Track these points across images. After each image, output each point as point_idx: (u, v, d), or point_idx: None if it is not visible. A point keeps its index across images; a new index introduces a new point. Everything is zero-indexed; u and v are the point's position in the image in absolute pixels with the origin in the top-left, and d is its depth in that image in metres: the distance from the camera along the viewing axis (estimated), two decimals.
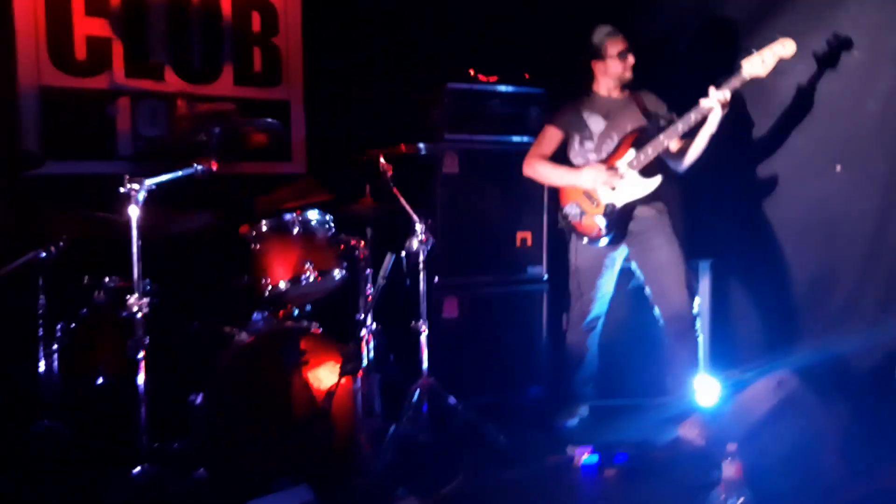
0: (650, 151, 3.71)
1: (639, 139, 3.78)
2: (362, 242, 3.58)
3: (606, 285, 4.03)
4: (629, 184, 3.78)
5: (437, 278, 4.29)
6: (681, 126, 3.61)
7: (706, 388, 3.80)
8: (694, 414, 3.73)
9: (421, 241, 3.60)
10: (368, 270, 3.56)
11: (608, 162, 3.83)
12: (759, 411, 3.27)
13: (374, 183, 3.73)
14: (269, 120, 3.39)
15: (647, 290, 3.92)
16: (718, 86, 3.49)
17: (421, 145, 3.71)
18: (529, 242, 4.58)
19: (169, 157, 3.99)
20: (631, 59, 3.88)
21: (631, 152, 3.77)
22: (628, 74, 3.90)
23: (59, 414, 3.08)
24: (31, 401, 3.11)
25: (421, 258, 3.63)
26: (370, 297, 3.50)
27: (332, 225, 3.56)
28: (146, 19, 4.30)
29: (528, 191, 4.45)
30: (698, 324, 3.94)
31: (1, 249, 3.17)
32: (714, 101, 3.50)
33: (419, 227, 3.59)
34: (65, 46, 4.07)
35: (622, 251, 3.98)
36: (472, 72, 4.49)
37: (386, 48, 4.84)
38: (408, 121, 4.58)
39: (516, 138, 4.50)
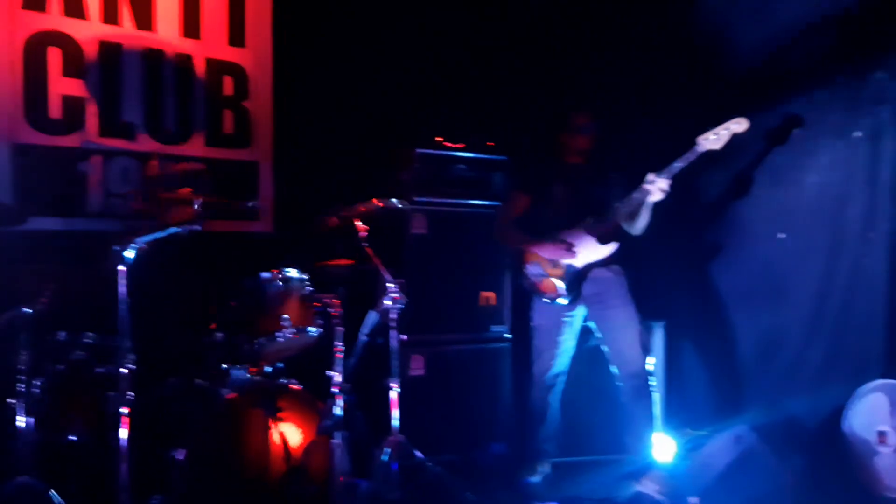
0: (609, 218, 3.93)
1: (597, 209, 4.00)
2: (336, 300, 3.67)
3: (567, 343, 4.18)
4: (587, 248, 3.97)
5: (404, 336, 4.38)
6: (637, 195, 3.82)
7: (663, 445, 3.96)
8: (652, 470, 3.87)
9: (393, 300, 3.70)
10: (341, 328, 3.64)
11: (570, 228, 4.03)
12: (717, 466, 3.43)
13: (346, 242, 3.84)
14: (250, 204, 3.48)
15: (605, 348, 4.09)
16: (668, 166, 3.72)
17: (394, 200, 3.86)
18: (493, 301, 4.73)
19: (139, 216, 4.08)
20: (592, 133, 4.11)
21: (589, 218, 3.99)
22: (588, 146, 4.12)
23: (35, 470, 3.04)
24: (8, 456, 3.06)
25: (393, 317, 3.73)
26: (341, 354, 3.58)
27: (308, 283, 3.65)
28: (121, 81, 4.39)
29: (492, 252, 4.63)
30: (653, 381, 4.11)
31: None
32: (655, 188, 3.75)
33: (392, 286, 3.70)
34: (40, 105, 4.12)
35: (581, 310, 4.15)
36: (440, 138, 4.69)
37: (355, 112, 5.01)
38: (377, 183, 4.73)
39: (481, 202, 4.69)
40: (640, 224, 3.92)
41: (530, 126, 4.62)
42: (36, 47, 4.10)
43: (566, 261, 3.99)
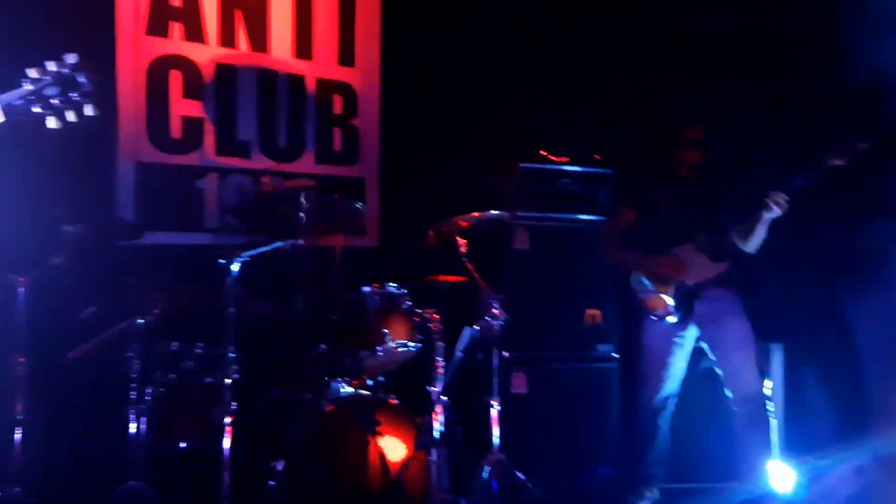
0: (718, 238, 3.76)
1: (708, 224, 3.82)
2: (436, 315, 3.67)
3: (677, 364, 4.01)
4: (698, 266, 3.80)
5: (506, 353, 4.34)
6: (740, 223, 3.66)
7: (780, 474, 3.72)
8: (768, 500, 3.65)
9: (494, 317, 3.66)
10: (440, 343, 3.64)
11: (680, 244, 3.88)
12: (838, 499, 3.19)
13: (446, 257, 3.85)
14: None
15: (719, 370, 3.90)
16: (787, 181, 3.53)
17: (494, 212, 3.84)
18: (599, 319, 4.61)
19: (252, 231, 4.23)
20: (703, 147, 3.93)
21: (701, 235, 3.82)
22: (699, 159, 3.96)
23: (145, 476, 3.19)
24: (120, 462, 3.23)
25: (493, 333, 3.69)
26: (441, 370, 3.58)
27: (408, 298, 3.67)
28: (237, 101, 4.58)
29: (598, 268, 4.51)
30: (770, 406, 3.88)
31: (101, 315, 3.36)
32: (773, 204, 3.56)
33: (492, 302, 3.66)
34: (162, 126, 4.35)
35: (693, 331, 3.97)
36: (544, 152, 4.63)
37: (459, 128, 5.03)
38: (479, 199, 4.72)
39: (586, 216, 4.59)
40: (754, 242, 3.73)
41: (638, 139, 4.48)
42: (158, 71, 4.33)
43: (676, 277, 3.84)
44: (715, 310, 3.87)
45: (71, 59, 1.81)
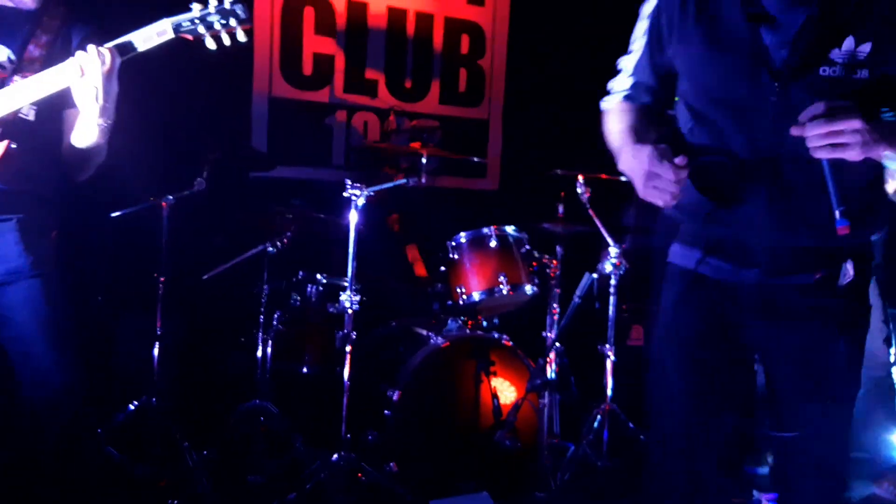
0: None
1: None
2: (554, 261, 3.64)
3: None
4: None
5: (624, 305, 4.26)
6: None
7: None
8: (892, 471, 3.47)
9: (614, 266, 3.59)
10: (557, 290, 3.61)
11: None
12: None
13: (567, 202, 3.78)
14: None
15: None
16: None
17: (623, 178, 3.71)
18: None
19: (376, 168, 4.30)
20: None
21: None
22: None
23: (269, 396, 3.36)
24: (248, 381, 3.41)
25: (612, 282, 3.62)
26: (557, 315, 3.57)
27: (527, 241, 3.64)
28: (366, 39, 4.61)
29: None
30: None
31: (233, 241, 3.52)
32: None
33: (613, 250, 3.59)
34: (294, 62, 4.45)
35: None
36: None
37: (587, 72, 4.88)
38: (602, 145, 4.60)
39: None
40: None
41: None
42: (293, 8, 4.41)
43: None
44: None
45: None
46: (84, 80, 2.05)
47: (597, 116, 2.10)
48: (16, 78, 2.14)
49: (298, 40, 4.45)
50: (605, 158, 3.90)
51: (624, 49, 2.05)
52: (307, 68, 4.49)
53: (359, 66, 4.61)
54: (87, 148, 2.20)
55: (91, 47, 2.05)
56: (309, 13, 4.46)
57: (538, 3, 4.90)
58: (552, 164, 3.89)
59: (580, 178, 3.66)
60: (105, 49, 2.06)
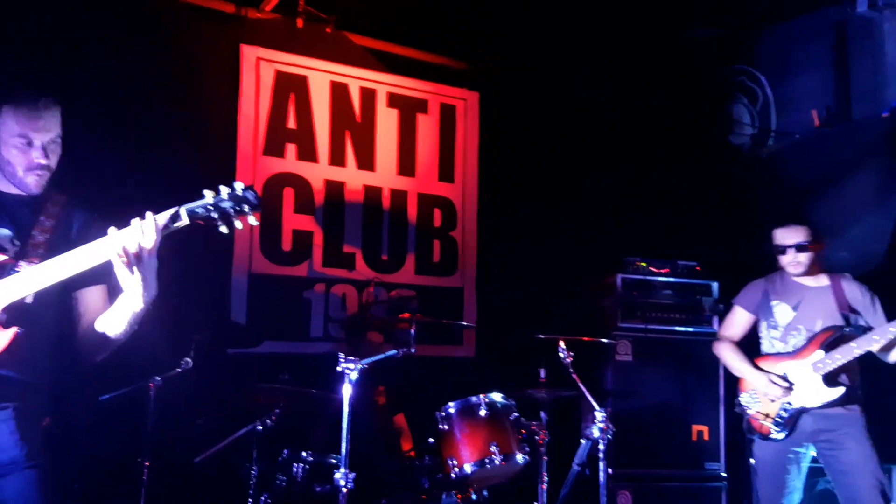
0: (839, 357, 3.54)
1: (830, 340, 3.63)
2: (543, 429, 3.63)
3: (794, 484, 3.79)
4: (810, 389, 3.62)
5: (610, 469, 4.21)
6: (877, 338, 3.46)
7: None
8: None
9: (601, 430, 3.59)
10: (546, 457, 3.58)
11: (794, 357, 3.74)
12: None
13: (548, 367, 3.83)
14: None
15: (838, 494, 3.67)
16: None
17: (605, 341, 3.82)
18: (706, 436, 4.46)
19: (354, 339, 4.32)
20: (801, 255, 3.73)
21: (819, 353, 3.62)
22: (793, 270, 3.76)
23: None
24: None
25: (601, 447, 3.61)
26: (545, 485, 3.52)
27: (515, 409, 3.64)
28: (343, 216, 4.78)
29: (704, 383, 4.42)
30: None
31: (219, 421, 3.45)
32: None
33: (600, 415, 3.60)
34: (274, 239, 4.57)
35: (809, 448, 3.78)
36: (643, 263, 4.65)
37: (555, 239, 5.11)
38: (578, 308, 4.74)
39: (690, 328, 4.53)
40: None
41: (741, 248, 4.46)
42: (273, 188, 4.59)
43: (783, 399, 3.68)
44: (832, 428, 3.66)
45: (240, 185, 2.11)
46: (131, 255, 2.05)
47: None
48: (21, 263, 2.15)
49: (278, 219, 4.59)
50: (581, 320, 4.03)
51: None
52: (287, 245, 4.60)
53: (337, 242, 4.75)
54: (117, 331, 2.19)
55: (136, 222, 2.05)
56: (289, 193, 4.63)
57: (504, 179, 5.18)
58: (529, 329, 3.97)
59: (562, 343, 3.74)
60: (153, 220, 2.06)
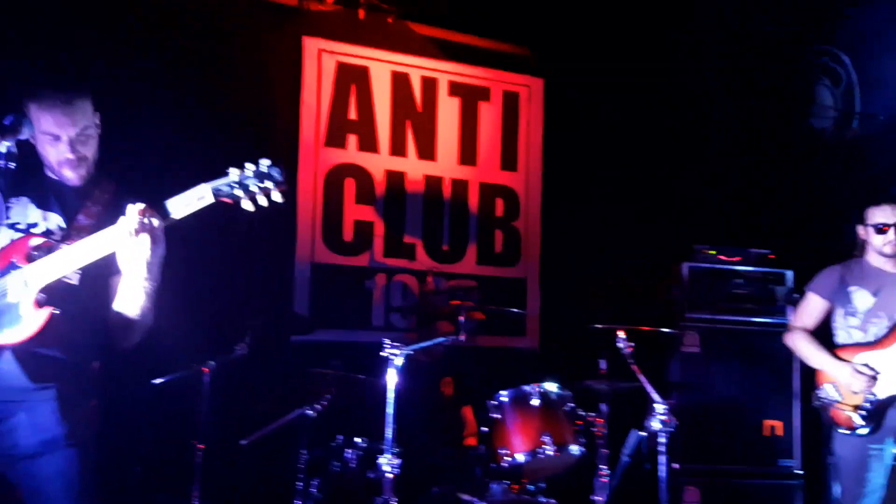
0: None
1: None
2: (599, 420, 3.53)
3: (876, 481, 3.56)
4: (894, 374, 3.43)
5: (676, 464, 4.07)
6: None
7: None
8: None
9: (663, 423, 3.46)
10: (605, 450, 3.48)
11: (876, 346, 3.52)
12: None
13: (609, 358, 3.72)
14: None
15: None
16: None
17: (667, 331, 3.69)
18: (780, 431, 4.26)
19: (423, 329, 4.31)
20: (892, 235, 3.56)
21: None
22: (889, 250, 3.58)
23: None
24: None
25: (662, 440, 3.48)
26: (605, 478, 3.41)
27: (571, 399, 3.55)
28: (405, 206, 4.78)
29: (777, 375, 4.22)
30: None
31: (273, 406, 3.50)
32: None
33: (661, 407, 3.47)
34: (336, 229, 4.61)
35: (891, 445, 3.55)
36: (712, 251, 4.47)
37: (623, 227, 4.96)
38: (644, 299, 4.59)
39: (761, 319, 4.33)
40: None
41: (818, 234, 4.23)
42: (335, 179, 4.63)
43: (867, 389, 3.47)
44: None
45: (265, 161, 2.13)
46: (129, 241, 2.10)
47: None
48: (62, 245, 2.20)
49: (339, 209, 4.63)
50: (647, 311, 3.91)
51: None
52: (348, 235, 4.63)
53: (397, 231, 4.75)
54: (132, 314, 2.23)
55: (131, 207, 2.11)
56: (350, 184, 4.66)
57: (570, 167, 5.07)
58: (591, 320, 3.87)
59: (621, 332, 3.62)
60: (138, 207, 2.11)
